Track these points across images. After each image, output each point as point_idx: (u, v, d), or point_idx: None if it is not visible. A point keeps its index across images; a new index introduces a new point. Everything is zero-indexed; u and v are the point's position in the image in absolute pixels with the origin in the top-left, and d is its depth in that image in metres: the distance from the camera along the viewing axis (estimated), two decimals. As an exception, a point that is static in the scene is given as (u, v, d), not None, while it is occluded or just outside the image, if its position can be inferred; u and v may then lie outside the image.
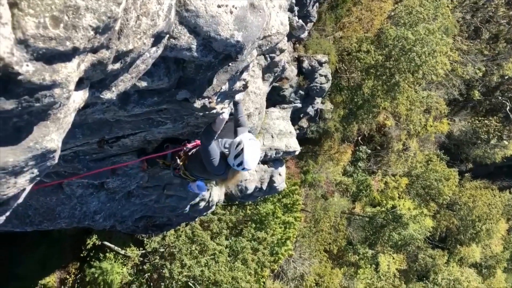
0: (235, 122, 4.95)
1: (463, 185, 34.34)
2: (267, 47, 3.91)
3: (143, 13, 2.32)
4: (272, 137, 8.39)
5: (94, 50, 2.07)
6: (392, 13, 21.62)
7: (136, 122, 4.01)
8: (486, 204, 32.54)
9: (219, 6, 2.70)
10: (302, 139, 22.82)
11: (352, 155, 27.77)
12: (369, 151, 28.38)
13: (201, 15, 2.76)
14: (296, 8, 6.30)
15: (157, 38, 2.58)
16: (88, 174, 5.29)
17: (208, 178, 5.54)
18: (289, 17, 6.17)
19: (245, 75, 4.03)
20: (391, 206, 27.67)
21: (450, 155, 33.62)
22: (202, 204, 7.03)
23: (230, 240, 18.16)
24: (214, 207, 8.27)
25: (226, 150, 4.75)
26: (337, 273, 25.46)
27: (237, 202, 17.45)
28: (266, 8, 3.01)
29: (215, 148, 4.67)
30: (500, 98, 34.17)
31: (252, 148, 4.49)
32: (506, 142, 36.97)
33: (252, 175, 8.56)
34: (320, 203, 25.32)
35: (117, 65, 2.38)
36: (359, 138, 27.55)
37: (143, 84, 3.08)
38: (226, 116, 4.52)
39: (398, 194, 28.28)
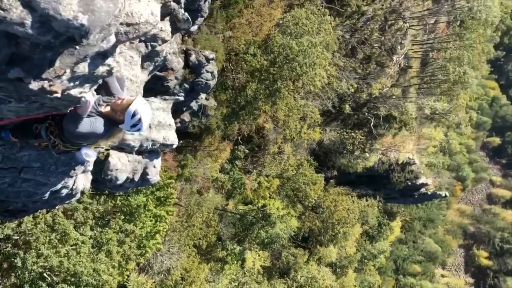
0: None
1: (327, 190, 37.16)
2: (135, 35, 3.85)
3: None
4: (150, 127, 8.20)
5: None
6: (281, 22, 22.54)
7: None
8: (346, 209, 35.68)
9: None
10: (183, 133, 22.63)
11: (231, 153, 28.31)
12: (247, 151, 29.18)
13: (38, -11, 2.51)
14: (183, 1, 6.25)
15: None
16: None
17: (91, 143, 5.32)
18: (174, 9, 6.13)
19: (110, 61, 3.89)
20: (262, 205, 28.82)
21: (319, 161, 36.13)
22: (65, 191, 6.57)
23: (95, 231, 17.27)
24: (78, 195, 7.77)
25: (103, 104, 4.67)
26: (204, 268, 25.75)
27: (106, 192, 16.64)
28: None
29: (87, 123, 4.59)
30: (366, 114, 37.69)
31: (147, 115, 4.62)
32: (367, 155, 40.97)
33: (124, 165, 8.25)
34: (194, 198, 25.35)
35: None
36: (239, 137, 28.17)
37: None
38: (90, 99, 4.35)
39: (269, 194, 29.57)
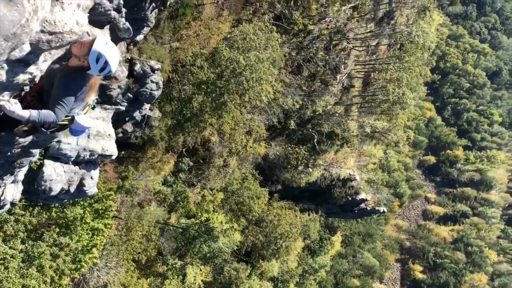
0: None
1: (271, 204, 37.45)
2: (58, 44, 3.76)
3: None
4: (89, 137, 7.88)
5: None
6: (229, 36, 22.67)
7: None
8: (289, 223, 36.06)
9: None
10: (125, 143, 22.03)
11: (175, 165, 27.87)
12: (192, 163, 28.88)
13: None
14: (124, 10, 6.13)
15: None
16: None
17: (80, 106, 5.09)
18: (115, 18, 5.99)
19: (32, 69, 3.79)
20: (205, 218, 28.47)
21: (263, 175, 36.39)
22: (-10, 203, 6.15)
23: (26, 244, 16.29)
24: (7, 207, 7.29)
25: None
26: (143, 284, 24.96)
27: (40, 203, 15.80)
28: (28, 4, 2.80)
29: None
30: (310, 130, 38.54)
31: (113, 54, 4.45)
32: (310, 170, 41.80)
33: (59, 175, 7.84)
34: (135, 211, 24.62)
35: None
36: (184, 149, 27.84)
37: None
38: (11, 108, 4.11)
39: (213, 207, 29.33)
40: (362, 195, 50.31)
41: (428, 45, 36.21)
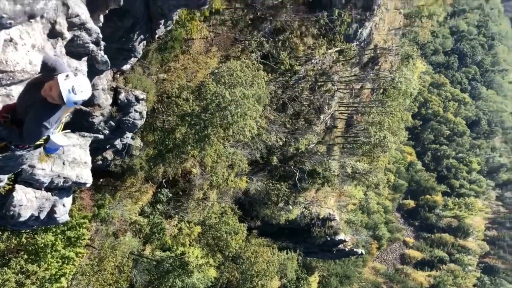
0: None
1: (249, 240, 36.96)
2: (9, 82, 3.93)
3: None
4: (64, 164, 7.78)
5: None
6: (216, 70, 23.00)
7: None
8: (266, 261, 35.51)
9: None
10: (104, 171, 21.78)
11: (153, 196, 27.51)
12: (171, 195, 28.56)
13: None
14: (103, 43, 6.24)
15: None
16: None
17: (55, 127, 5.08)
18: (93, 50, 6.08)
19: None
20: (180, 252, 27.93)
21: (243, 210, 36.10)
22: (-47, 226, 5.94)
23: (-9, 271, 15.71)
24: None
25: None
26: (111, 317, 24.09)
27: (9, 228, 15.35)
28: None
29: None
30: (292, 167, 38.68)
31: (82, 86, 4.48)
32: (291, 207, 41.67)
33: (30, 201, 7.68)
34: (109, 241, 24.05)
35: None
36: (164, 180, 27.58)
37: None
38: None
39: (190, 241, 28.85)
40: (341, 236, 50.12)
41: (410, 92, 37.24)
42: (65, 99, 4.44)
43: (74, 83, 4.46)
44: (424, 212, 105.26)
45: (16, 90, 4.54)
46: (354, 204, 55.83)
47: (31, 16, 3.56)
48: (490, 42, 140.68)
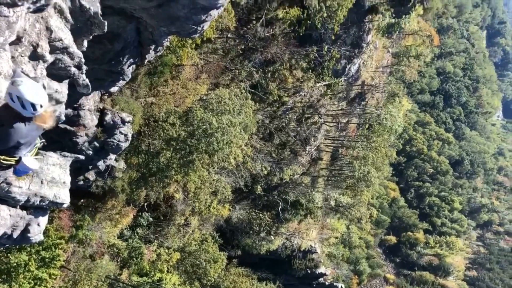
0: None
1: (228, 269, 36.40)
2: None
3: None
4: (42, 183, 7.74)
5: None
6: (204, 97, 23.22)
7: None
8: (244, 292, 34.97)
9: None
10: (85, 191, 21.51)
11: (134, 219, 27.15)
12: (151, 219, 28.23)
13: None
14: (84, 67, 6.38)
15: None
16: None
17: (28, 145, 5.15)
18: (75, 73, 6.20)
19: None
20: (158, 278, 27.37)
21: (224, 238, 35.72)
22: None
23: (-41, 289, 15.22)
24: None
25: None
26: None
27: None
28: None
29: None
30: (276, 197, 38.66)
31: (30, 92, 4.54)
32: (272, 238, 41.40)
33: (4, 219, 7.57)
34: (85, 263, 23.50)
35: None
36: (145, 204, 27.30)
37: None
38: None
39: (168, 267, 28.33)
40: (321, 269, 49.75)
41: (395, 128, 37.85)
42: (19, 107, 4.58)
43: (24, 88, 4.55)
44: (405, 249, 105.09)
45: None
46: (336, 238, 55.65)
47: None
48: (475, 84, 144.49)
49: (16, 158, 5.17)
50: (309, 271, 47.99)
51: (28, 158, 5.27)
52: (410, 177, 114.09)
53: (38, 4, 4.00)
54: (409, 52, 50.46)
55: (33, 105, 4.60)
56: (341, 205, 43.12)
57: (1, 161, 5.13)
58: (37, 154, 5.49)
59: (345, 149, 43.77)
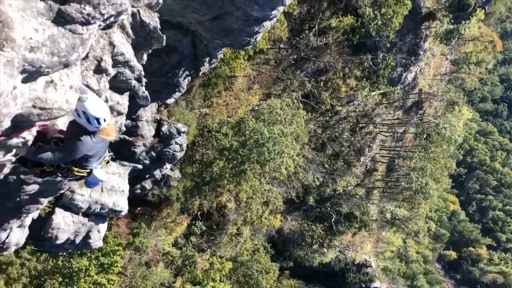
0: None
1: (280, 281, 36.19)
2: (47, 117, 4.46)
3: None
4: (102, 191, 8.05)
5: None
6: (256, 108, 23.36)
7: None
8: (296, 304, 34.57)
9: None
10: (142, 200, 22.20)
11: (187, 228, 27.66)
12: (205, 228, 28.61)
13: None
14: (144, 80, 6.62)
15: None
16: None
17: (98, 158, 5.56)
18: (135, 86, 6.43)
19: (24, 134, 4.58)
20: (211, 287, 27.65)
21: (276, 249, 35.54)
22: (-7, 244, 6.26)
23: (26, 291, 16.10)
24: (11, 249, 7.37)
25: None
26: None
27: (47, 250, 15.78)
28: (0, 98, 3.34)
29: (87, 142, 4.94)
30: (329, 209, 38.01)
31: (96, 108, 4.88)
32: (325, 250, 40.69)
33: (68, 225, 7.95)
34: (141, 270, 24.18)
35: None
36: (198, 213, 27.75)
37: None
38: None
39: (220, 277, 28.55)
40: (376, 283, 48.22)
41: (455, 138, 36.21)
42: (85, 121, 4.90)
43: (89, 105, 4.88)
44: (467, 265, 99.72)
45: (61, 121, 4.93)
46: (392, 252, 53.80)
47: (66, 65, 4.09)
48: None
49: (87, 170, 5.53)
50: (363, 285, 46.68)
51: (98, 170, 5.62)
52: (471, 189, 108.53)
53: (108, 22, 4.28)
54: (469, 59, 48.34)
55: (97, 120, 4.91)
56: (397, 218, 41.68)
57: (75, 172, 5.49)
58: (105, 166, 5.82)
59: (401, 160, 42.40)
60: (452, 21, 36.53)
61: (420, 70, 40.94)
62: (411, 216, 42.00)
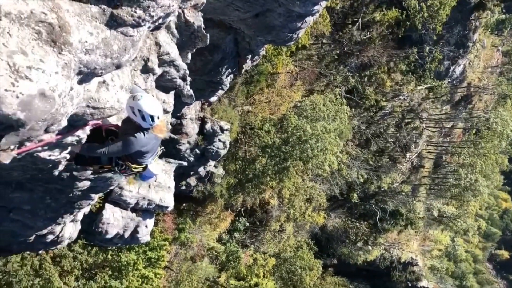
0: None
1: (324, 278, 35.91)
2: (99, 116, 4.68)
3: None
4: (149, 187, 8.31)
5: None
6: (299, 104, 23.25)
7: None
8: (341, 302, 34.23)
9: (6, 90, 3.07)
10: (186, 196, 22.67)
11: (231, 224, 27.98)
12: (248, 224, 28.84)
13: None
14: (189, 79, 6.77)
15: None
16: None
17: (153, 153, 5.85)
18: (180, 85, 6.60)
19: (79, 133, 4.82)
20: (254, 283, 27.82)
21: (319, 246, 35.31)
22: (50, 237, 6.61)
23: (79, 282, 16.80)
24: (65, 243, 7.75)
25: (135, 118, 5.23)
26: None
27: (97, 244, 16.43)
28: (59, 99, 3.50)
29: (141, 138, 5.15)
30: (373, 206, 37.31)
31: (149, 105, 5.03)
32: (370, 248, 39.99)
33: (117, 220, 8.27)
34: (187, 265, 24.71)
35: None
36: (242, 209, 28.01)
37: None
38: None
39: (264, 272, 28.69)
40: (423, 283, 46.90)
41: (507, 133, 34.60)
42: (140, 119, 5.08)
43: (143, 103, 5.05)
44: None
45: (112, 120, 5.17)
46: (439, 250, 52.11)
47: (118, 67, 4.28)
48: None
49: (143, 166, 5.84)
50: (409, 284, 45.54)
51: (153, 164, 5.95)
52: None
53: (157, 23, 4.46)
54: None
55: (151, 117, 5.11)
56: (445, 215, 40.34)
57: (132, 168, 5.80)
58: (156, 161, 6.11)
59: (449, 156, 40.96)
60: (504, 10, 34.85)
61: (469, 63, 39.36)
62: (459, 214, 40.55)
